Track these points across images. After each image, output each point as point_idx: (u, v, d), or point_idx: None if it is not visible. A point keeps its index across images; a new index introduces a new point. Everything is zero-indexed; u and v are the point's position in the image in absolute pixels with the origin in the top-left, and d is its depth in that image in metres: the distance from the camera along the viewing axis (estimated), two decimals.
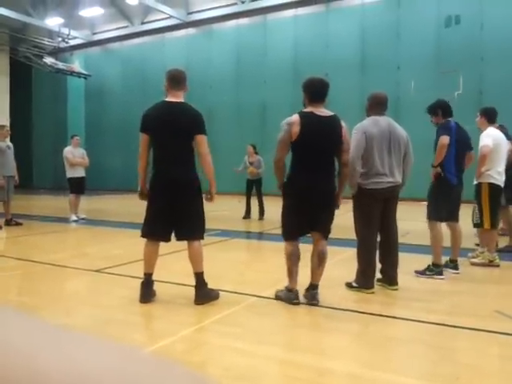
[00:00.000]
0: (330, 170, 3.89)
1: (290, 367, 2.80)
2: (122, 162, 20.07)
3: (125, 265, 5.46)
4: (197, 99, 19.17)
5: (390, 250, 4.42)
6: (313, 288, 3.93)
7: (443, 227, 4.96)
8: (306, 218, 3.83)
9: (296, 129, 3.74)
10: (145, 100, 20.84)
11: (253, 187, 9.95)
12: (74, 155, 9.62)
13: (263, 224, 9.47)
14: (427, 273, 4.76)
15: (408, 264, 4.89)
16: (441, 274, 4.73)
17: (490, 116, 5.50)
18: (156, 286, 4.57)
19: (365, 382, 2.60)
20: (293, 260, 3.86)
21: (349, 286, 4.37)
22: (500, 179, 5.28)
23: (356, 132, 4.28)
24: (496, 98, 9.23)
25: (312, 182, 3.78)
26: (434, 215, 4.89)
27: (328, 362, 2.84)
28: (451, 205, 4.93)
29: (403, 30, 15.28)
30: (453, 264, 5.00)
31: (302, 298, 3.91)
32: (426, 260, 5.67)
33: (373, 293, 4.24)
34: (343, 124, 3.93)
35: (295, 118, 3.80)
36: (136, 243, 7.06)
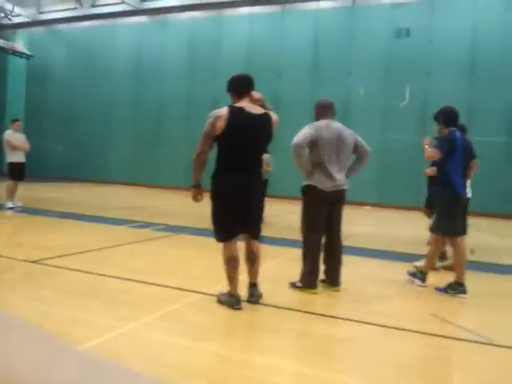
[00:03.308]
0: (256, 169, 3.82)
1: (233, 365, 2.79)
2: (64, 148, 19.30)
3: (65, 256, 5.25)
4: (148, 90, 18.80)
5: (334, 252, 4.52)
6: (252, 286, 3.93)
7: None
8: (236, 219, 3.76)
9: (222, 123, 3.60)
10: (90, 86, 20.14)
11: None
12: (16, 139, 9.19)
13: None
14: (449, 291, 4.51)
15: (351, 266, 5.03)
16: (464, 292, 4.46)
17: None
18: (97, 280, 4.45)
19: (308, 380, 2.64)
20: (232, 265, 3.76)
21: (293, 285, 4.44)
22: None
23: (308, 126, 4.37)
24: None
25: (238, 184, 3.69)
26: (452, 231, 4.63)
27: (270, 360, 2.86)
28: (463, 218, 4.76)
29: (356, 38, 15.69)
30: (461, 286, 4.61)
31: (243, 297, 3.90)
32: (369, 263, 5.89)
33: (316, 293, 4.33)
34: (275, 119, 3.85)
35: (224, 111, 3.63)
36: (78, 235, 6.87)
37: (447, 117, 4.78)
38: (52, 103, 20.42)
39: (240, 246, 3.90)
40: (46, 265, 4.85)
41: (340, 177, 4.38)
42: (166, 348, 2.95)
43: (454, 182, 4.58)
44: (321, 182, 4.33)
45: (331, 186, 4.34)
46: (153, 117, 18.06)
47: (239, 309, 3.72)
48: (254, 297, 3.90)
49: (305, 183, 4.45)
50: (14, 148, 9.11)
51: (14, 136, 9.24)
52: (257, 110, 3.77)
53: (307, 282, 4.38)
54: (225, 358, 2.92)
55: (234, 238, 3.80)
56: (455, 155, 4.59)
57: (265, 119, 3.78)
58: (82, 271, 4.67)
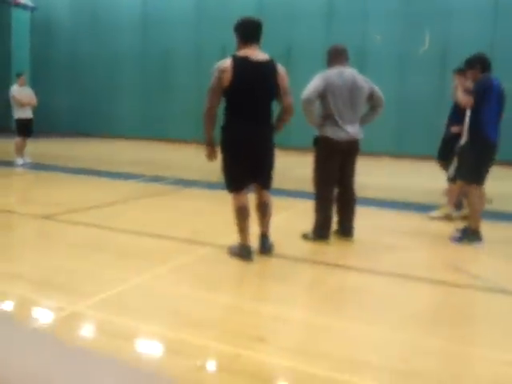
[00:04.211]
0: (266, 118, 3.74)
1: (244, 314, 2.80)
2: (71, 102, 19.06)
3: (76, 212, 5.25)
4: (155, 39, 18.25)
5: (347, 203, 4.45)
6: (263, 237, 3.90)
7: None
8: (247, 169, 3.71)
9: (228, 75, 3.52)
10: (96, 36, 19.62)
11: None
12: (22, 95, 9.04)
13: None
14: (464, 240, 4.43)
15: (365, 217, 4.95)
16: (480, 239, 4.40)
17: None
18: (108, 235, 4.46)
19: (318, 329, 2.64)
20: (242, 216, 3.73)
21: (305, 236, 4.40)
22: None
23: (317, 77, 4.19)
24: (461, 55, 9.24)
25: (249, 133, 3.64)
26: (476, 179, 4.43)
27: (281, 310, 2.86)
28: (489, 167, 4.50)
29: None
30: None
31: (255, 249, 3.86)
32: (383, 213, 5.81)
33: (328, 243, 4.28)
34: (282, 69, 3.73)
35: (228, 63, 3.55)
36: (88, 191, 6.86)
37: (485, 62, 4.45)
38: (58, 56, 19.97)
39: (251, 198, 3.83)
40: (57, 220, 4.86)
41: (353, 126, 4.24)
42: (178, 299, 2.97)
43: (488, 129, 4.33)
44: (333, 133, 4.20)
45: (344, 136, 4.20)
46: (161, 67, 17.63)
47: (250, 260, 3.71)
48: (266, 248, 3.88)
49: (317, 134, 4.32)
50: (21, 104, 8.99)
51: (20, 91, 9.09)
52: (261, 56, 3.64)
53: (319, 232, 4.34)
54: (236, 308, 2.92)
55: (244, 188, 3.75)
56: (491, 101, 4.33)
57: (270, 65, 3.67)
58: (92, 226, 4.68)
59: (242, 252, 3.75)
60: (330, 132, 4.21)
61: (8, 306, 2.85)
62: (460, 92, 4.67)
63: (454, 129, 5.66)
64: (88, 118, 18.58)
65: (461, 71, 5.43)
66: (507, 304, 3.10)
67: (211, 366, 2.22)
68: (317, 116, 4.26)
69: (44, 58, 20.03)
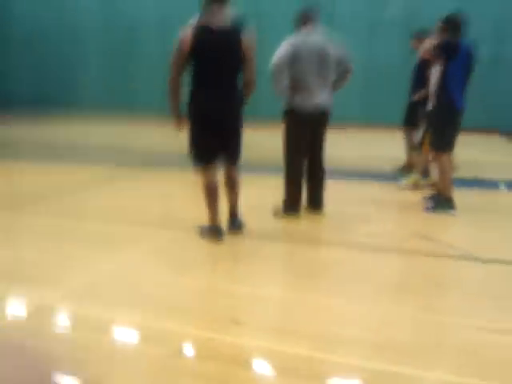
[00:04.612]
0: (232, 89, 3.62)
1: (217, 297, 2.78)
2: (34, 74, 18.16)
3: (40, 201, 5.11)
4: (120, 5, 17.33)
5: (316, 176, 4.43)
6: (231, 216, 3.86)
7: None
8: (214, 142, 3.61)
9: (188, 45, 3.42)
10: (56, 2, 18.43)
11: None
12: None
13: None
14: (438, 208, 4.45)
15: (335, 190, 4.96)
16: (453, 207, 4.44)
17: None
18: (75, 224, 4.36)
19: (293, 307, 2.65)
20: (211, 194, 3.66)
21: (276, 213, 4.38)
22: None
23: (285, 44, 4.07)
24: (430, 20, 9.20)
25: (214, 104, 3.53)
26: (442, 146, 4.45)
27: (255, 289, 2.86)
28: (455, 133, 4.49)
29: None
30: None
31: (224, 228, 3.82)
32: (353, 185, 5.83)
33: (299, 218, 4.28)
34: (247, 37, 3.57)
35: (187, 31, 3.43)
36: (53, 179, 6.62)
37: (456, 24, 4.28)
38: (16, 25, 18.90)
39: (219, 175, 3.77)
40: (21, 212, 4.69)
41: (322, 95, 4.16)
42: (150, 285, 2.93)
43: (453, 93, 4.32)
44: (302, 104, 4.12)
45: (313, 106, 4.13)
46: (126, 37, 16.99)
47: (221, 240, 3.67)
48: (235, 226, 3.84)
49: (285, 106, 4.24)
50: None
51: None
52: (223, 22, 3.46)
53: (290, 207, 4.32)
54: (210, 290, 2.90)
55: (212, 163, 3.64)
56: (456, 61, 4.27)
57: (233, 33, 3.49)
58: (58, 215, 4.53)
59: (213, 232, 3.70)
60: (299, 102, 4.12)
61: None
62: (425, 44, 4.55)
63: (417, 96, 5.70)
64: (50, 94, 17.79)
65: (420, 36, 5.46)
66: (479, 272, 3.15)
67: (187, 351, 2.20)
68: (285, 86, 4.14)
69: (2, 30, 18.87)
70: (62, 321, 2.50)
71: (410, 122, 6.01)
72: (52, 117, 15.96)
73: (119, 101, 16.70)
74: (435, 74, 4.63)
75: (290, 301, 2.73)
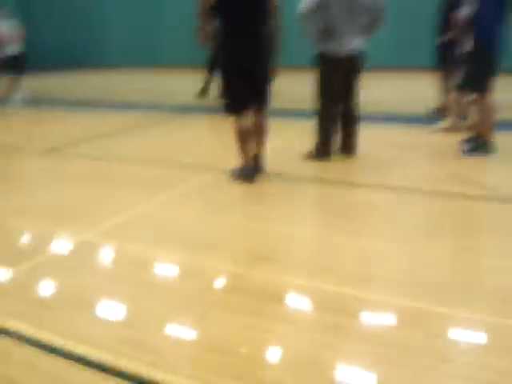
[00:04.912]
0: (259, 36, 3.59)
1: (250, 235, 2.80)
2: (60, 34, 18.23)
3: (77, 145, 5.21)
4: None
5: (350, 121, 4.33)
6: (257, 158, 3.85)
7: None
8: (247, 88, 3.63)
9: None
10: None
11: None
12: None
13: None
14: (477, 151, 4.29)
15: (369, 133, 4.84)
16: (492, 151, 4.28)
17: None
18: (110, 166, 4.44)
19: (325, 246, 2.66)
20: (245, 137, 3.68)
21: (307, 156, 4.33)
22: None
23: None
24: None
25: (242, 52, 3.55)
26: (481, 87, 4.23)
27: (287, 229, 2.86)
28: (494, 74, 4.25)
29: None
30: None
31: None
32: (387, 129, 5.68)
33: (331, 162, 4.23)
34: None
35: None
36: (88, 124, 6.74)
37: None
38: None
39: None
40: (59, 155, 4.83)
41: (354, 39, 4.03)
42: (185, 224, 2.98)
43: (489, 31, 4.08)
44: (334, 50, 4.02)
45: (345, 50, 4.02)
46: None
47: (253, 181, 3.70)
48: (259, 168, 3.84)
49: (318, 51, 4.12)
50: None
51: None
52: None
53: (322, 150, 4.27)
54: (243, 229, 2.92)
55: (245, 108, 3.67)
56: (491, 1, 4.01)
57: None
58: (94, 158, 4.65)
59: (245, 173, 3.74)
60: (331, 47, 4.02)
61: (17, 239, 2.87)
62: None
63: (447, 36, 5.40)
64: (77, 49, 17.85)
65: None
66: None
67: (220, 285, 2.25)
68: (316, 31, 4.03)
69: None
70: (102, 256, 2.59)
71: (441, 63, 5.74)
72: (83, 70, 16.04)
73: (147, 59, 16.64)
74: (465, 12, 4.35)
75: (322, 240, 2.74)
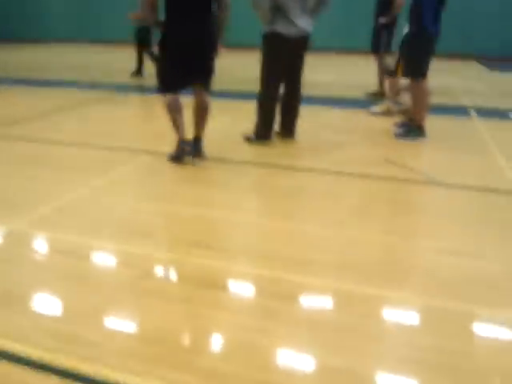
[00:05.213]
0: (205, 12, 3.51)
1: (185, 221, 2.79)
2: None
3: (10, 126, 4.93)
4: None
5: (292, 102, 4.36)
6: (195, 140, 3.81)
7: None
8: (184, 68, 3.56)
9: None
10: None
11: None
12: None
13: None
14: (409, 135, 4.46)
15: (309, 116, 4.91)
16: (424, 135, 4.46)
17: None
18: (44, 149, 4.25)
19: (261, 231, 2.70)
20: (174, 110, 3.64)
21: (246, 139, 4.34)
22: None
23: None
24: None
25: (186, 28, 3.46)
26: (416, 72, 4.36)
27: (224, 214, 2.88)
28: (429, 59, 4.39)
29: None
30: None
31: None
32: (327, 111, 5.80)
33: (269, 145, 4.26)
34: None
35: None
36: (23, 102, 6.38)
37: None
38: None
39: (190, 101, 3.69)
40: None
41: (303, 19, 4.03)
42: (119, 210, 2.93)
43: (426, 18, 4.19)
44: (283, 28, 3.99)
45: (295, 30, 4.01)
46: None
47: (187, 153, 3.69)
48: (197, 150, 3.80)
49: (266, 30, 4.07)
50: None
51: None
52: None
53: (262, 132, 4.29)
54: (177, 215, 2.90)
55: (178, 89, 3.63)
56: None
57: None
58: (27, 140, 4.42)
59: (179, 149, 3.70)
60: (281, 27, 3.98)
61: None
62: None
63: (382, 19, 5.55)
64: (11, 19, 16.75)
65: None
66: (443, 196, 3.23)
67: (154, 273, 2.24)
68: (267, 10, 3.96)
69: None
70: (33, 247, 2.50)
71: (377, 46, 5.90)
72: (23, 43, 15.11)
73: (88, 33, 15.88)
74: None
75: (260, 225, 2.77)
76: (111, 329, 1.84)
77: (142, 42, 8.12)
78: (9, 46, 14.61)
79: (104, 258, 2.40)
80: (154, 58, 7.52)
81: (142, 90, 7.55)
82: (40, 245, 2.53)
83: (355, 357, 1.67)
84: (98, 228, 2.67)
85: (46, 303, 1.99)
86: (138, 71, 8.40)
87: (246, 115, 4.73)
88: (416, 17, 4.26)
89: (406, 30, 4.55)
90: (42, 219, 2.76)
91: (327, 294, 2.07)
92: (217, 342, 1.77)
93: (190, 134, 3.76)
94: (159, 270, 2.28)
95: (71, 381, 1.56)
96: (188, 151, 3.73)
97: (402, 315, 1.95)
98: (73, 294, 2.05)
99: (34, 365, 1.62)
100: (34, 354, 1.67)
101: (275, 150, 4.19)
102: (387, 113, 5.44)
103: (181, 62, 3.52)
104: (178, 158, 3.73)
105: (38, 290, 2.09)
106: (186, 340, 1.77)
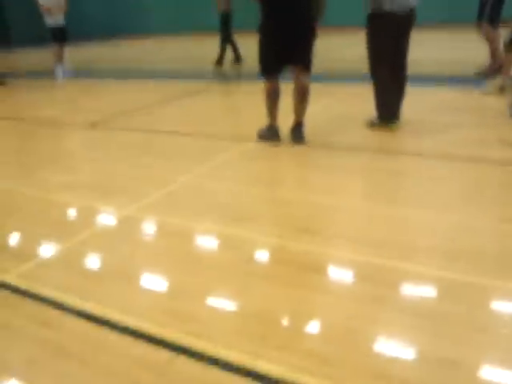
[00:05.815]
0: None
1: (290, 206, 2.79)
2: (101, 4, 18.39)
3: (120, 117, 5.31)
4: None
5: (398, 83, 4.07)
6: (297, 126, 3.80)
7: None
8: (283, 50, 3.58)
9: None
10: None
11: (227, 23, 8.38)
12: (49, 2, 8.50)
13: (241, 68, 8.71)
14: None
15: (416, 96, 4.62)
16: None
17: None
18: (151, 137, 4.50)
19: (366, 217, 2.61)
20: (272, 98, 3.74)
21: (370, 124, 4.17)
22: None
23: None
24: None
25: (285, 10, 3.46)
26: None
27: (328, 199, 2.83)
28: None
29: None
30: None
31: (286, 138, 3.88)
32: (435, 91, 5.46)
33: (395, 124, 4.06)
34: None
35: None
36: (131, 95, 6.84)
37: None
38: None
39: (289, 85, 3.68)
40: (103, 128, 4.94)
41: None
42: (225, 196, 3.01)
43: None
44: (390, 3, 3.72)
45: (399, 6, 3.74)
46: None
47: (278, 140, 3.79)
48: (297, 136, 3.80)
49: (370, 10, 3.86)
50: (49, 12, 8.53)
51: None
52: None
53: (385, 114, 4.08)
54: (282, 200, 2.91)
55: (277, 72, 3.68)
56: None
57: None
58: (137, 130, 4.73)
59: (270, 133, 3.79)
60: (385, 5, 3.73)
61: (62, 214, 2.99)
62: None
63: None
64: (117, 18, 17.96)
65: None
66: None
67: (260, 256, 2.28)
68: None
69: None
70: (144, 230, 2.66)
71: (485, 17, 5.36)
72: (125, 39, 16.10)
73: (186, 24, 16.50)
74: None
75: (364, 211, 2.69)
76: (217, 308, 1.90)
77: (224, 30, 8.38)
78: (113, 42, 15.65)
79: (210, 241, 2.49)
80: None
81: (241, 77, 7.68)
82: (151, 228, 2.69)
83: (461, 347, 1.57)
84: (205, 212, 2.76)
85: (157, 282, 2.12)
86: (237, 59, 8.61)
87: (348, 98, 4.61)
88: None
89: None
90: (152, 205, 2.92)
91: (433, 282, 1.96)
92: (320, 325, 1.76)
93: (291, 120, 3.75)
94: (263, 254, 2.31)
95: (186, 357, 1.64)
96: (277, 132, 3.83)
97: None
98: (181, 274, 2.15)
99: (143, 337, 1.73)
100: (143, 326, 1.78)
101: (379, 133, 4.04)
102: (501, 90, 4.97)
103: (280, 45, 3.54)
104: (263, 137, 3.86)
105: (150, 270, 2.23)
106: (289, 322, 1.78)
